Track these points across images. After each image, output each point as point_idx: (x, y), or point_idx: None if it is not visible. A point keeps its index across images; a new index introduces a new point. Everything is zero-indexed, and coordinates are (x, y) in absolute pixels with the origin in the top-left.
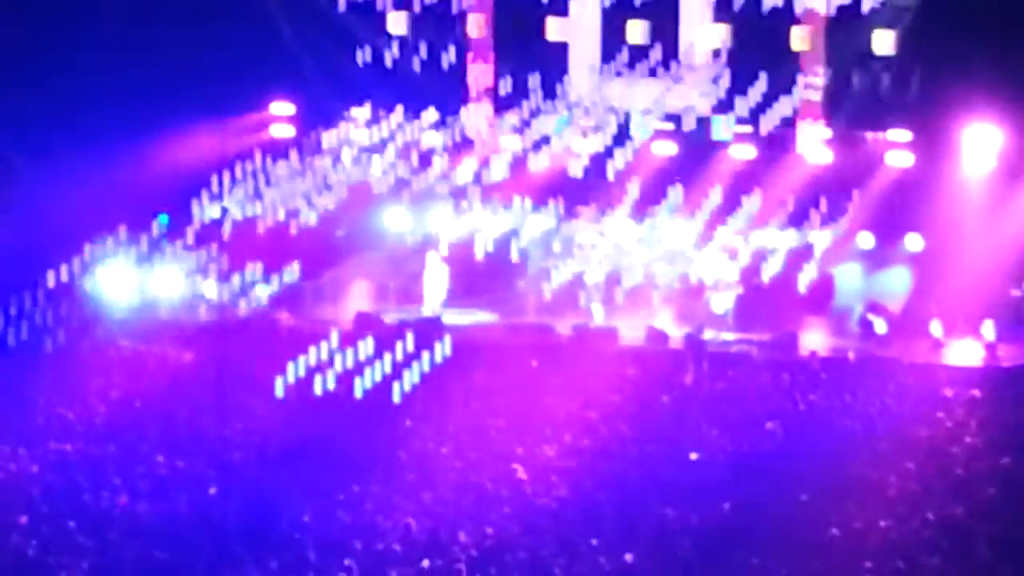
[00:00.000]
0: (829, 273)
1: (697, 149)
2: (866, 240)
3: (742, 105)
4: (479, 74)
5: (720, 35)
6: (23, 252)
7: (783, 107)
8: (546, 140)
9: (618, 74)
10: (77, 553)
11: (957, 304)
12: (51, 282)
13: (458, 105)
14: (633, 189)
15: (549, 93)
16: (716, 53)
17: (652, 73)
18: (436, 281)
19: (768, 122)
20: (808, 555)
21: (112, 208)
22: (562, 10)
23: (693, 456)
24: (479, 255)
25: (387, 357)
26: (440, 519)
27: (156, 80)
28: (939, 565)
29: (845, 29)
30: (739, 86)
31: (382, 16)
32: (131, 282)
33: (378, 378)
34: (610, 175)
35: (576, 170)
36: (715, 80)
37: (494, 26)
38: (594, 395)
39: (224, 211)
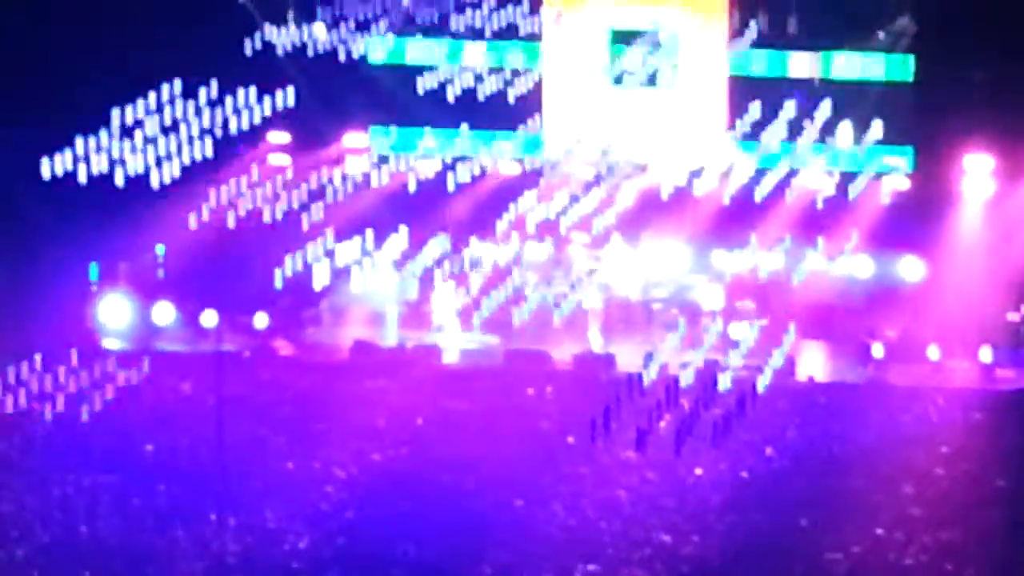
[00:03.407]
0: (828, 297)
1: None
2: (864, 264)
3: None
4: None
5: None
6: (21, 282)
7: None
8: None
9: None
10: None
11: (955, 328)
12: (50, 312)
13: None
14: (628, 215)
15: None
16: None
17: None
18: (445, 306)
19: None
20: None
21: (110, 239)
22: None
23: (698, 471)
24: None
25: None
26: (440, 547)
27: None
28: None
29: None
30: None
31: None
32: (130, 312)
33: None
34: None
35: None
36: None
37: None
38: (592, 423)
39: (219, 238)
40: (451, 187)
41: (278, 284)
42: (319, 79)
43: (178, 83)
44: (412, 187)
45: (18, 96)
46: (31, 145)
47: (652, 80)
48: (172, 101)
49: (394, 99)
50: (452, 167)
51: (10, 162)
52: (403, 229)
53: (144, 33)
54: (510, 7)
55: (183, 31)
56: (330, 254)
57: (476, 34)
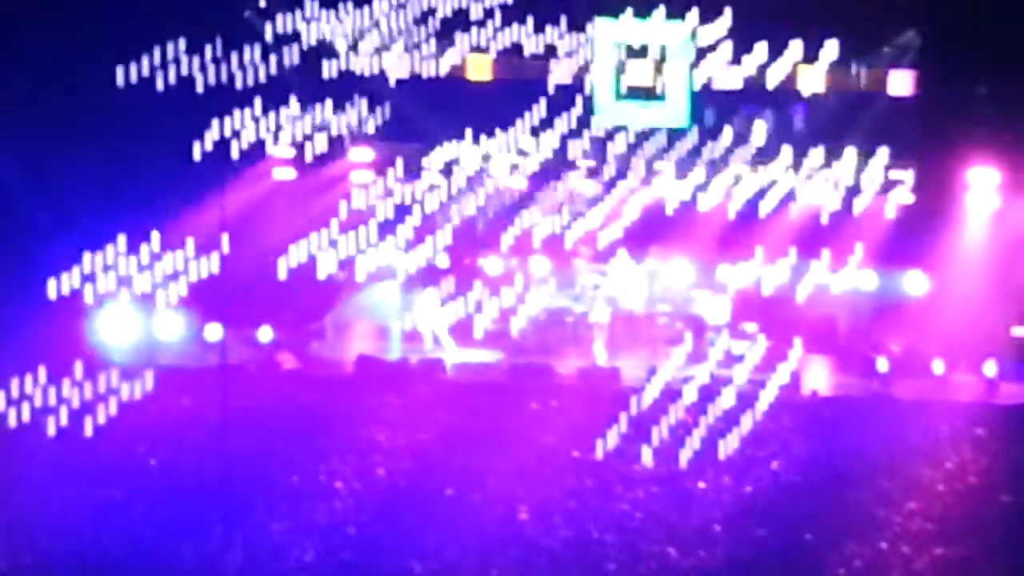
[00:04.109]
0: (832, 312)
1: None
2: (868, 279)
3: None
4: None
5: None
6: (22, 292)
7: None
8: None
9: None
10: None
11: (959, 343)
12: (53, 323)
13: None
14: (634, 229)
15: None
16: None
17: None
18: (435, 319)
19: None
20: None
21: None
22: None
23: (702, 485)
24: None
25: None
26: (445, 561)
27: (157, 120)
28: None
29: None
30: None
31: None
32: (132, 326)
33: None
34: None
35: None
36: None
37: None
38: (596, 436)
39: (228, 255)
40: (457, 200)
41: (282, 297)
42: (327, 93)
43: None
44: (418, 201)
45: (18, 98)
46: (33, 149)
47: (660, 96)
48: (179, 112)
49: (400, 113)
50: (458, 180)
51: (11, 164)
52: (409, 243)
53: (149, 34)
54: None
55: (192, 42)
56: (334, 268)
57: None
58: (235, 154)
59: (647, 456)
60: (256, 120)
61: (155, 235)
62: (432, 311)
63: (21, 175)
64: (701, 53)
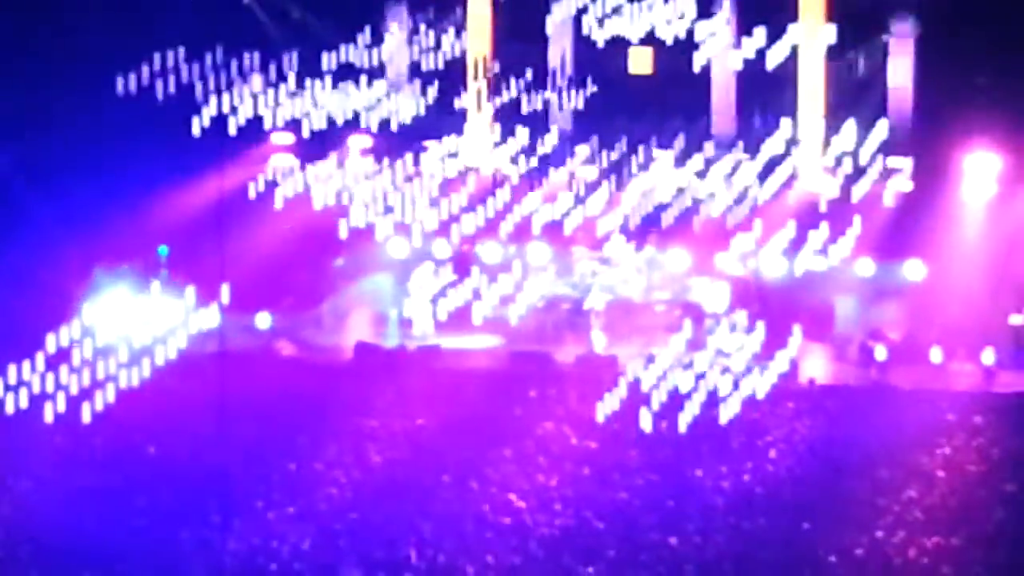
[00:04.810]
0: (829, 299)
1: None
2: (866, 266)
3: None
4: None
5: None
6: (22, 283)
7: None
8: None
9: None
10: None
11: (957, 331)
12: (51, 312)
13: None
14: (632, 216)
15: None
16: None
17: None
18: (426, 306)
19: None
20: None
21: (112, 239)
22: None
23: (699, 473)
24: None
25: None
26: (442, 548)
27: (157, 107)
28: None
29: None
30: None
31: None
32: (130, 313)
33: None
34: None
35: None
36: None
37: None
38: (595, 423)
39: (226, 241)
40: (455, 188)
41: (282, 284)
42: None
43: (182, 82)
44: (418, 188)
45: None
46: (33, 144)
47: (659, 82)
48: (175, 99)
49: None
50: (457, 168)
51: (11, 160)
52: (409, 229)
53: (154, 32)
54: None
55: (191, 33)
56: (334, 254)
57: None
58: (233, 138)
59: (644, 441)
60: (255, 105)
61: (152, 223)
62: (425, 298)
63: (18, 164)
64: (700, 39)
